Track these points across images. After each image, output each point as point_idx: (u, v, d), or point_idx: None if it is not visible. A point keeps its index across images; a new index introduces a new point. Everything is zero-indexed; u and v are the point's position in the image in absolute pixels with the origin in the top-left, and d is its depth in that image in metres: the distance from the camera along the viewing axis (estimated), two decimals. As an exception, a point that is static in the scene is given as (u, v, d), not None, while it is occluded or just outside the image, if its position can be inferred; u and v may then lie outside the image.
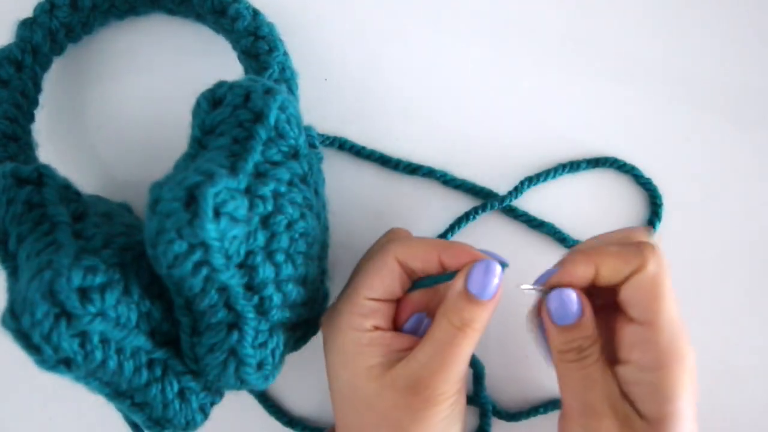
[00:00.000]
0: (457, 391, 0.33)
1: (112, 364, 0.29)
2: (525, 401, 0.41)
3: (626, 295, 0.31)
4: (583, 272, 0.32)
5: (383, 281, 0.33)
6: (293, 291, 0.32)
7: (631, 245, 0.32)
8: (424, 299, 0.35)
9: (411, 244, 0.34)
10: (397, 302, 0.35)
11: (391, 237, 0.36)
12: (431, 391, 0.31)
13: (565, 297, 0.31)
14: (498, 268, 0.32)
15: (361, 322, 0.33)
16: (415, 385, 0.32)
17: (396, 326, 0.35)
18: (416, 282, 0.34)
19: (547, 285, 0.32)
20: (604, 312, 0.33)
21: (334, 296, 0.38)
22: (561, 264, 0.33)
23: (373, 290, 0.33)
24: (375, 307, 0.33)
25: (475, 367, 0.40)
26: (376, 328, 0.33)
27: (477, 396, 0.40)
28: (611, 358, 0.32)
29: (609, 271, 0.31)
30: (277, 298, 0.31)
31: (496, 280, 0.31)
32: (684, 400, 0.30)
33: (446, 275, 0.33)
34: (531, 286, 0.33)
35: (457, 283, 0.32)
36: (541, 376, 0.41)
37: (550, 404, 0.41)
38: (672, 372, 0.30)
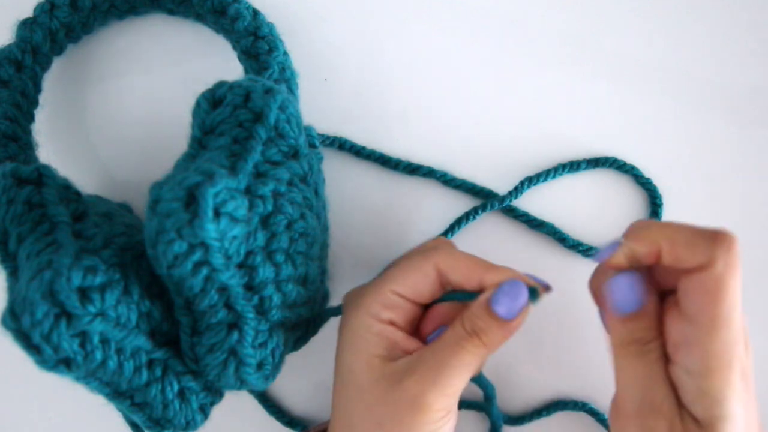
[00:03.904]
0: (444, 408, 0.31)
1: (112, 364, 0.29)
2: (527, 402, 0.41)
3: (685, 289, 0.29)
4: (646, 253, 0.30)
5: (415, 281, 0.33)
6: (293, 291, 0.32)
7: (704, 235, 0.29)
8: (453, 313, 0.34)
9: (456, 256, 0.33)
10: (426, 310, 0.34)
11: (436, 244, 0.35)
12: (419, 394, 0.30)
13: (625, 284, 0.30)
14: (525, 297, 0.30)
15: (379, 312, 0.33)
16: (406, 382, 0.31)
17: (421, 335, 0.34)
18: (447, 294, 0.34)
19: (607, 266, 0.30)
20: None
21: (334, 296, 0.38)
22: (624, 238, 0.30)
23: (401, 285, 0.33)
24: (397, 302, 0.33)
25: (486, 388, 0.39)
26: (392, 323, 0.33)
27: (488, 413, 0.40)
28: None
29: (672, 258, 0.29)
30: (277, 298, 0.31)
31: (519, 305, 0.31)
32: (734, 402, 0.28)
33: (478, 294, 0.32)
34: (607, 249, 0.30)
35: (485, 294, 0.31)
36: (544, 377, 0.41)
37: (553, 406, 0.41)
38: (718, 378, 0.28)
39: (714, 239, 0.28)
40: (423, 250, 0.34)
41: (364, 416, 0.32)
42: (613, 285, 0.30)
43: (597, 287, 0.33)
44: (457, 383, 0.31)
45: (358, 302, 0.33)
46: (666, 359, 0.30)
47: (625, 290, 0.30)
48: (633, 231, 0.30)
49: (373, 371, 0.32)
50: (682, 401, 0.29)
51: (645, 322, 0.30)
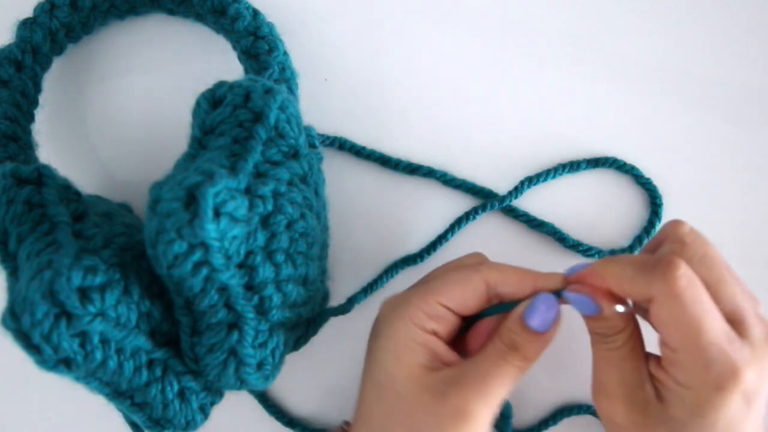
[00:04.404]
0: (485, 417, 0.32)
1: (112, 364, 0.29)
2: (532, 408, 0.41)
3: (653, 319, 0.30)
4: (599, 294, 0.31)
5: (463, 294, 0.33)
6: (293, 291, 0.32)
7: (643, 269, 0.30)
8: (500, 326, 0.34)
9: (503, 269, 0.34)
10: (469, 324, 0.35)
11: (479, 260, 0.35)
12: (463, 405, 0.31)
13: (576, 297, 0.32)
14: (557, 308, 0.32)
15: (424, 322, 0.33)
16: (451, 393, 0.31)
17: (469, 350, 0.35)
18: (490, 308, 0.34)
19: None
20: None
21: (334, 296, 0.38)
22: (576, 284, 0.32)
23: (449, 299, 0.33)
24: (442, 314, 0.33)
25: (503, 407, 0.38)
26: (435, 333, 0.33)
27: (501, 430, 0.40)
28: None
29: (623, 293, 0.31)
30: (277, 298, 0.31)
31: (552, 317, 0.32)
32: (710, 418, 0.29)
33: (514, 304, 0.33)
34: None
35: (519, 308, 0.32)
36: (547, 382, 0.41)
37: (559, 413, 0.40)
38: (707, 396, 0.29)
39: (651, 272, 0.29)
40: (469, 265, 0.35)
41: (402, 422, 0.32)
42: (569, 295, 0.32)
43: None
44: (501, 394, 0.32)
45: (403, 310, 0.33)
46: (642, 353, 0.32)
47: (578, 301, 0.32)
48: (588, 273, 0.32)
49: (415, 380, 0.32)
50: (660, 393, 0.31)
51: (605, 323, 0.31)
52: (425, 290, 0.33)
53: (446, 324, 0.33)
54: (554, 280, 0.33)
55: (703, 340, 0.28)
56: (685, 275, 0.29)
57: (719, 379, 0.28)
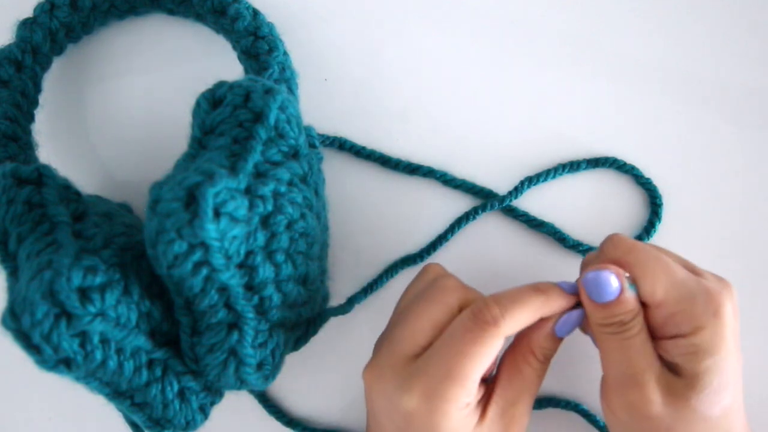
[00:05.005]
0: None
1: (112, 364, 0.29)
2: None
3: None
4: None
5: (491, 360, 0.31)
6: (293, 291, 0.32)
7: (601, 245, 0.34)
8: None
9: (518, 316, 0.31)
10: None
11: (457, 294, 0.33)
12: (521, 425, 0.33)
13: (602, 277, 0.32)
14: (582, 313, 0.33)
15: (467, 400, 0.31)
16: (508, 421, 0.33)
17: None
18: None
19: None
20: None
21: (334, 296, 0.38)
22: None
23: (482, 371, 0.31)
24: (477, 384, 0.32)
25: None
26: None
27: None
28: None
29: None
30: (276, 298, 0.31)
31: (577, 322, 0.33)
32: (722, 353, 0.30)
33: None
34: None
35: (547, 326, 0.33)
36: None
37: (545, 401, 0.40)
38: (704, 332, 0.30)
39: (601, 250, 0.34)
40: (476, 322, 0.31)
41: None
42: (588, 279, 0.32)
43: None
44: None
45: (446, 408, 0.31)
46: (652, 336, 0.32)
47: (594, 285, 0.32)
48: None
49: None
50: (674, 365, 0.31)
51: (622, 308, 0.32)
52: (453, 376, 0.31)
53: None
54: (562, 299, 0.33)
55: (678, 277, 0.31)
56: (627, 238, 0.33)
57: (707, 305, 0.30)
